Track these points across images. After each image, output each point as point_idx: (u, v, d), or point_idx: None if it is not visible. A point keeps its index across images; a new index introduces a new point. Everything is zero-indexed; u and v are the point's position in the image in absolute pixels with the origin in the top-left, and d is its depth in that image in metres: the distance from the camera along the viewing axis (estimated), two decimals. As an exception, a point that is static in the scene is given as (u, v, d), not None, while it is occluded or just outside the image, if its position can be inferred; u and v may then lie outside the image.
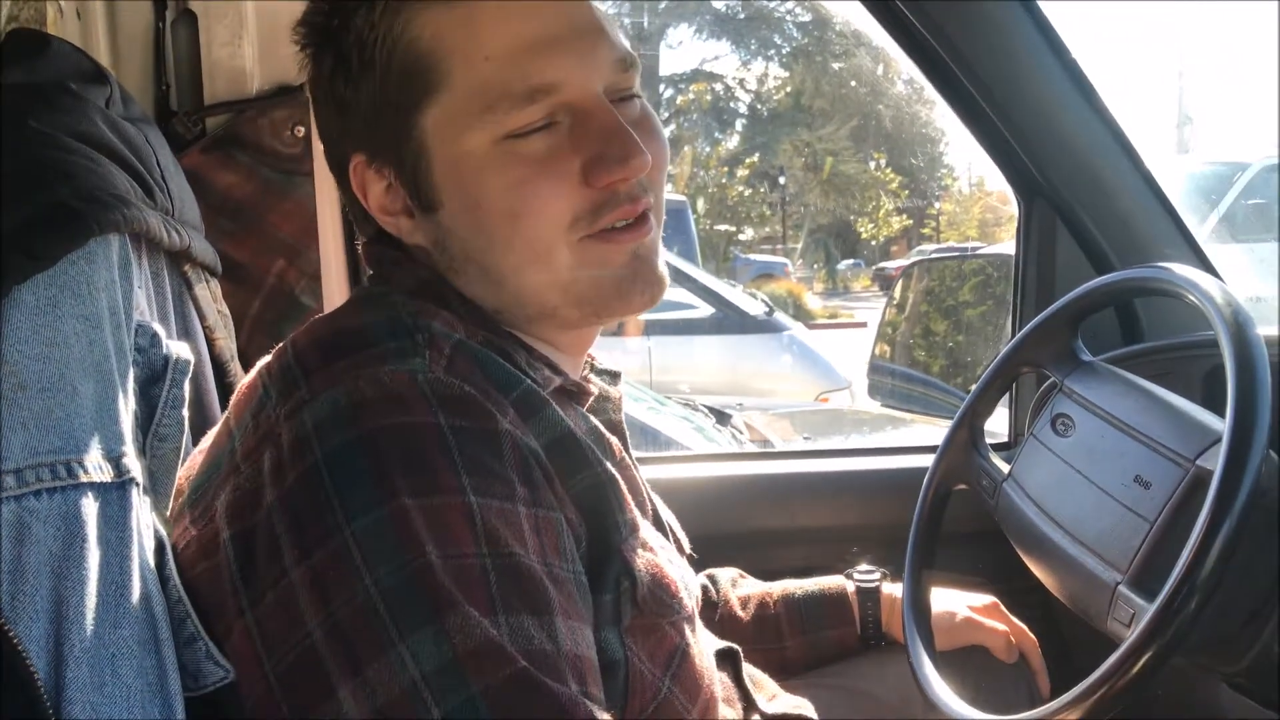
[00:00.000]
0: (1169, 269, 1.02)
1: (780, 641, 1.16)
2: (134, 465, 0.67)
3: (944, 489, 1.18)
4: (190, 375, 0.76)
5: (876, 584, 1.18)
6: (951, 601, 1.17)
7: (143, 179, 0.80)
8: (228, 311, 1.07)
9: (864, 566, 1.21)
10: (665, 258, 0.83)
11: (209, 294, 1.01)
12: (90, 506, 0.62)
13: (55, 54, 0.83)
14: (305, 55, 0.81)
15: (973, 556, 1.34)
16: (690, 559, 0.94)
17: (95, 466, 0.63)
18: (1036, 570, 1.08)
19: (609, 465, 0.77)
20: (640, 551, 0.76)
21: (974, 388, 1.19)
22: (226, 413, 0.78)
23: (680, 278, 5.58)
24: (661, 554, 0.79)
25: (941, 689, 1.03)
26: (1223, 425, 0.86)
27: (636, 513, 0.79)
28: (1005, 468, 1.13)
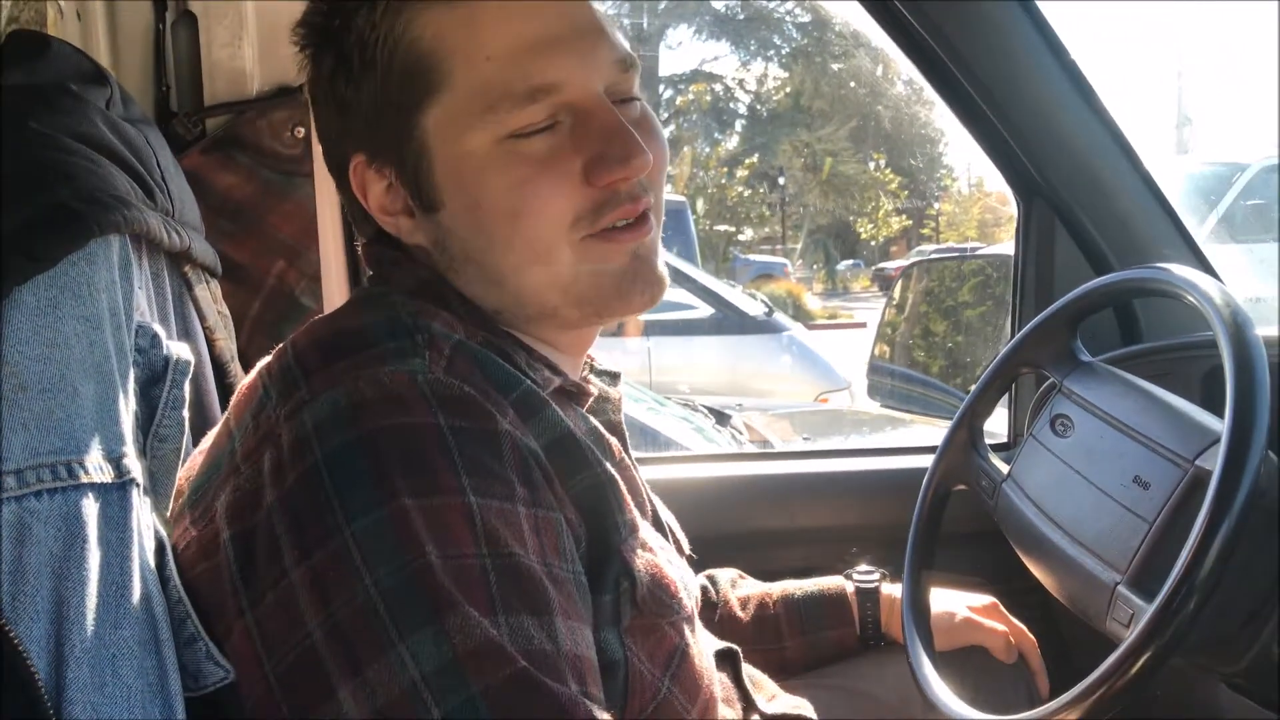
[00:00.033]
0: (1168, 270, 1.02)
1: (780, 642, 1.16)
2: (134, 466, 0.67)
3: (943, 489, 1.18)
4: (190, 376, 0.76)
5: (876, 584, 1.18)
6: (951, 602, 1.17)
7: (143, 180, 0.81)
8: (228, 312, 1.07)
9: (863, 567, 1.21)
10: (665, 258, 0.83)
11: (209, 295, 1.01)
12: (91, 507, 0.62)
13: (55, 55, 0.83)
14: (305, 56, 0.81)
15: (972, 557, 1.35)
16: (690, 559, 0.94)
17: (96, 467, 0.63)
18: (1035, 571, 1.08)
19: (608, 466, 0.77)
20: (640, 552, 0.76)
21: (973, 388, 1.19)
22: (226, 413, 0.79)
23: (680, 278, 5.58)
24: (661, 554, 0.79)
25: (941, 689, 1.03)
26: (1221, 426, 0.86)
27: (636, 513, 0.79)
28: (1004, 468, 1.13)
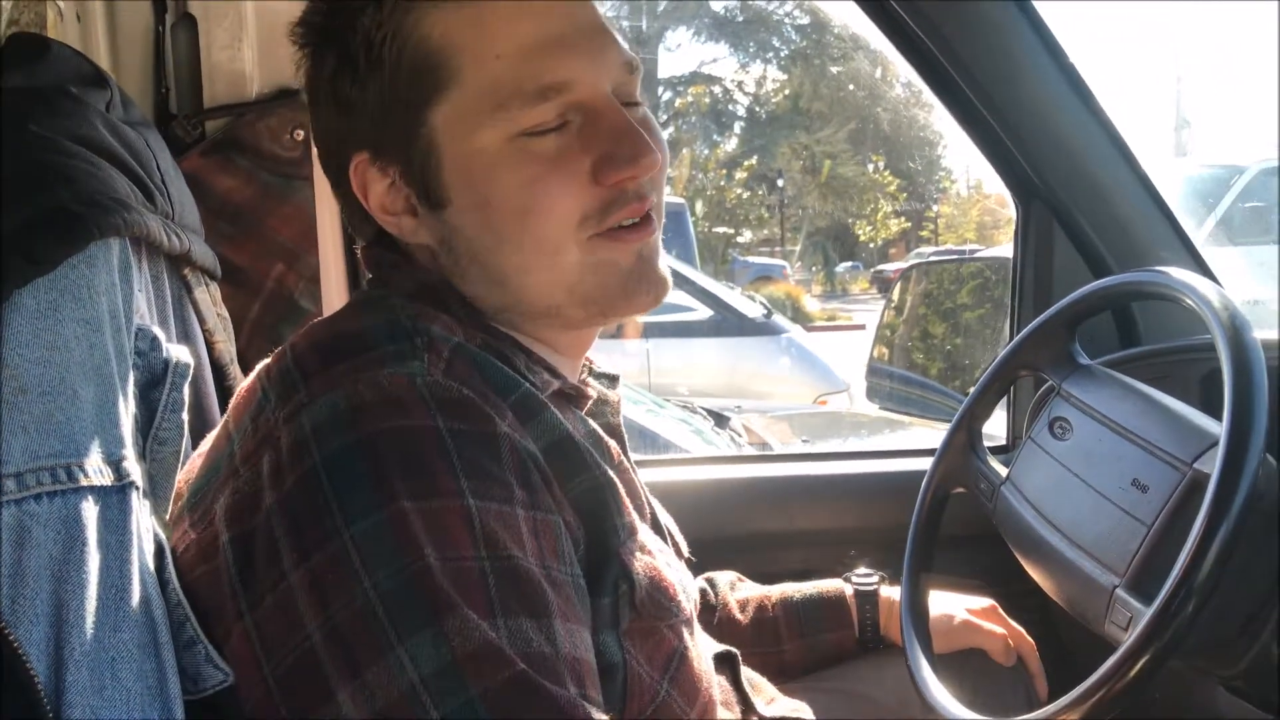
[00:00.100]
0: (1166, 273, 1.02)
1: (778, 644, 1.16)
2: (134, 469, 0.67)
3: (942, 492, 1.18)
4: (190, 379, 0.76)
5: (875, 587, 1.19)
6: (949, 604, 1.17)
7: (143, 183, 0.81)
8: (227, 315, 1.07)
9: (862, 570, 1.21)
10: (666, 260, 0.83)
11: (209, 297, 1.01)
12: (90, 510, 0.62)
13: (55, 58, 0.83)
14: (304, 55, 0.81)
15: (971, 560, 1.35)
16: (688, 562, 0.94)
17: (95, 470, 0.63)
18: (1034, 573, 1.08)
19: (607, 468, 0.77)
20: (638, 555, 0.76)
21: (972, 391, 1.19)
22: (225, 416, 0.79)
23: (679, 280, 5.57)
24: (660, 557, 0.79)
25: (939, 692, 1.03)
26: (1220, 429, 0.86)
27: (635, 516, 0.79)
28: (1003, 471, 1.13)
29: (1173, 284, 1.00)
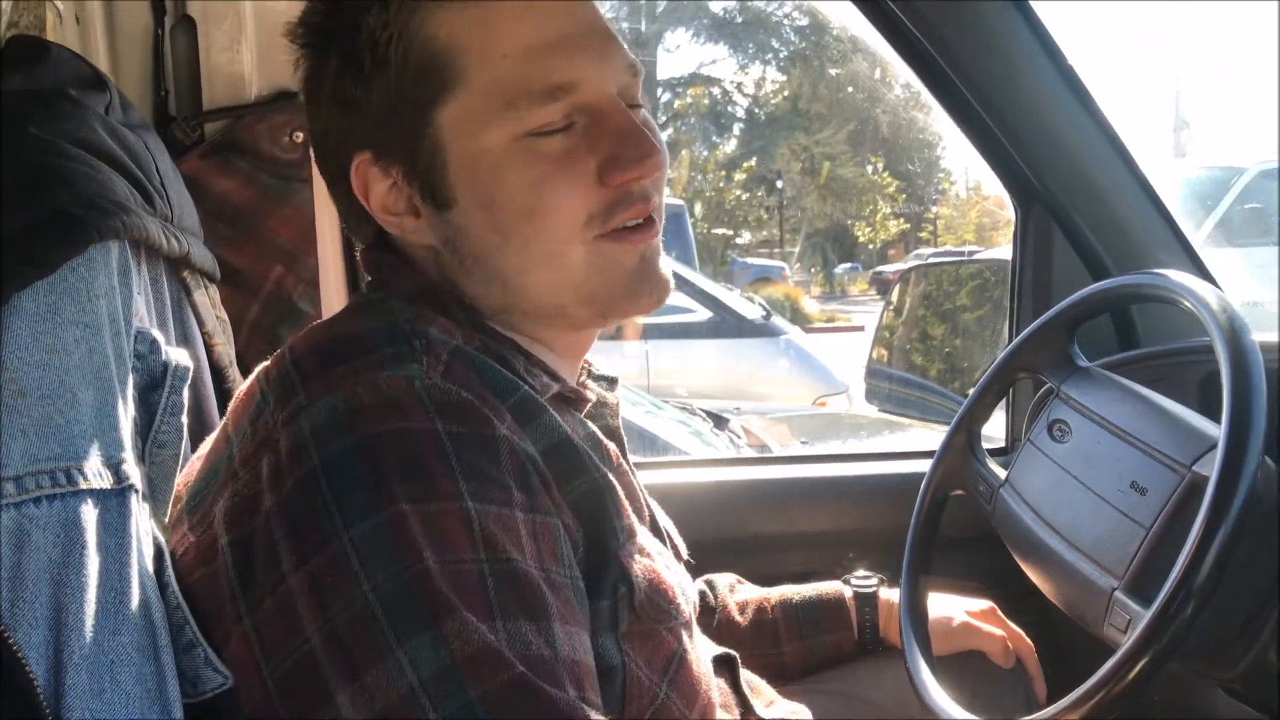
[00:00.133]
0: (1165, 275, 1.02)
1: (778, 647, 1.16)
2: (133, 472, 0.67)
3: (941, 494, 1.18)
4: (189, 381, 0.76)
5: (874, 589, 1.19)
6: (948, 606, 1.18)
7: (142, 185, 0.81)
8: (226, 317, 1.07)
9: (861, 572, 1.21)
10: (666, 262, 0.83)
11: (208, 300, 1.01)
12: (90, 513, 0.63)
13: (55, 61, 0.83)
14: (304, 55, 0.81)
15: (970, 562, 1.35)
16: (687, 564, 0.94)
17: (95, 473, 0.63)
18: (1033, 576, 1.09)
19: (606, 471, 0.77)
20: (637, 557, 0.76)
21: (971, 393, 1.19)
22: (224, 419, 0.79)
23: (677, 282, 5.56)
24: (659, 560, 0.80)
25: (938, 694, 1.03)
26: (1218, 431, 0.86)
27: (634, 518, 0.79)
28: (1002, 473, 1.13)
29: (1171, 286, 1.00)
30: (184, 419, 0.75)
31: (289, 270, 1.25)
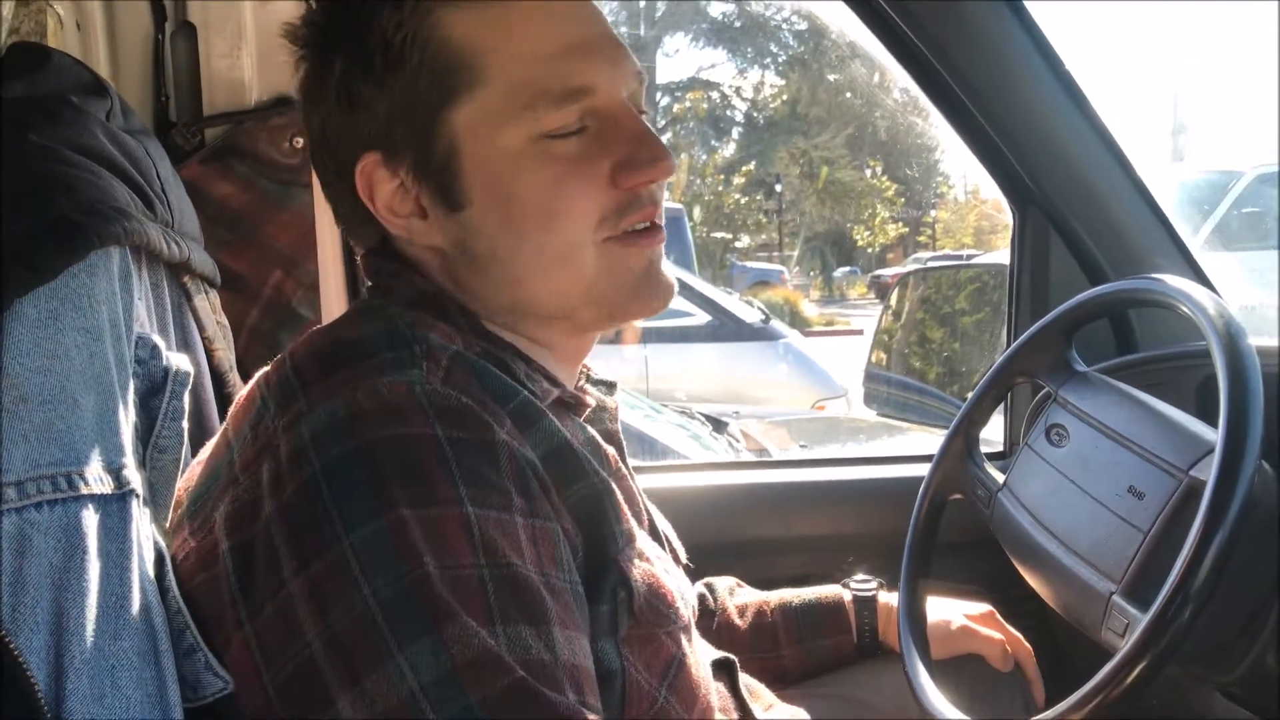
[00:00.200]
0: (1162, 280, 1.02)
1: (777, 650, 1.17)
2: (134, 477, 0.67)
3: (939, 498, 1.19)
4: (189, 387, 0.76)
5: (873, 593, 1.19)
6: (947, 610, 1.18)
7: (143, 191, 0.81)
8: (227, 322, 1.07)
9: (860, 576, 1.21)
10: (668, 266, 0.84)
11: (208, 305, 1.01)
12: (91, 518, 0.63)
13: (56, 67, 0.83)
14: (306, 55, 0.81)
15: (968, 566, 1.35)
16: (686, 568, 0.94)
17: (96, 478, 0.63)
18: (1031, 580, 1.09)
19: (605, 476, 0.77)
20: (637, 562, 0.76)
21: (969, 397, 1.20)
22: (225, 424, 0.79)
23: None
24: (658, 564, 0.80)
25: (937, 698, 1.03)
26: (1216, 436, 0.87)
27: (633, 523, 0.79)
28: (1000, 477, 1.13)
29: (1168, 291, 1.00)
30: (185, 424, 0.75)
31: (288, 275, 1.25)
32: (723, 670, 0.98)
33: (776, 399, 5.46)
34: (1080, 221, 1.44)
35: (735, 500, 1.54)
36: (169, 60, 1.24)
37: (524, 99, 0.75)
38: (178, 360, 0.75)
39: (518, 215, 0.77)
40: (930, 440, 2.70)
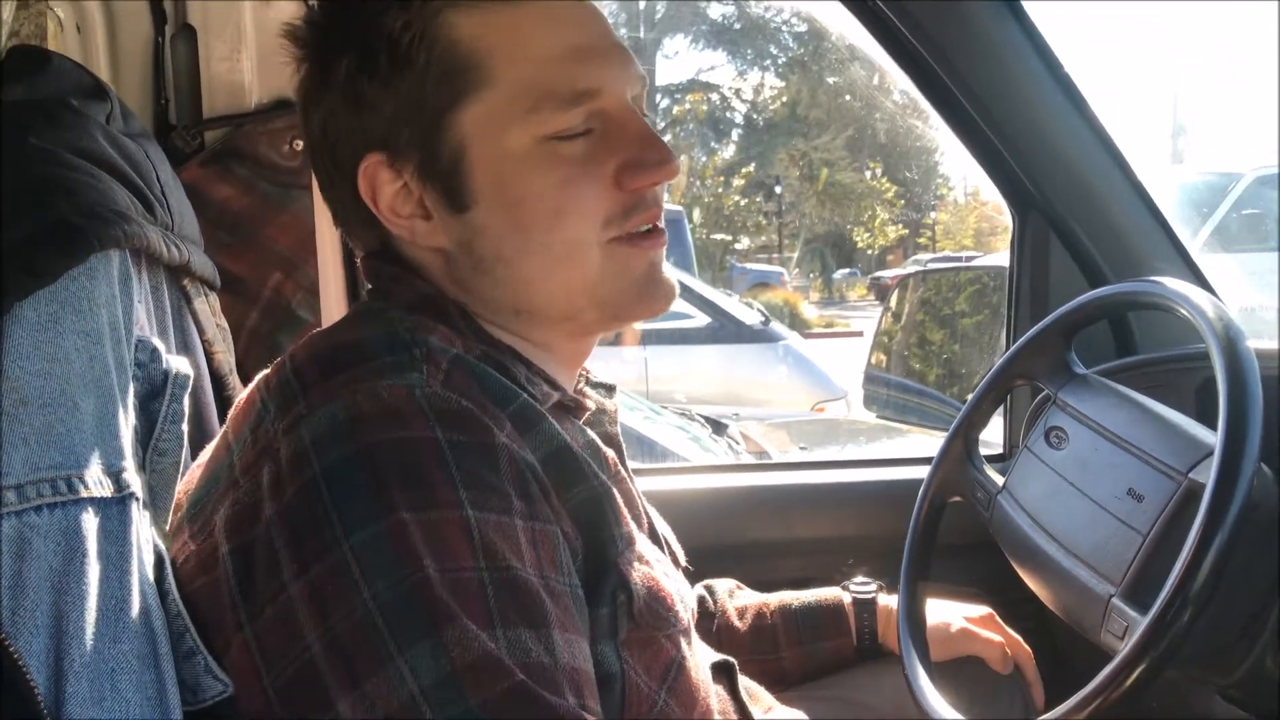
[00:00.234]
0: (1161, 283, 1.03)
1: (777, 652, 1.17)
2: (134, 480, 0.67)
3: (939, 501, 1.19)
4: (189, 389, 0.76)
5: (873, 595, 1.19)
6: (947, 612, 1.18)
7: (143, 194, 0.81)
8: (226, 325, 1.07)
9: (860, 578, 1.21)
10: (668, 268, 0.84)
11: (208, 308, 1.01)
12: (90, 521, 0.63)
13: (56, 70, 0.83)
14: (306, 56, 0.80)
15: (968, 568, 1.35)
16: (686, 571, 0.94)
17: (95, 482, 0.63)
18: (1030, 582, 1.09)
19: (605, 478, 0.77)
20: (636, 565, 0.76)
21: (969, 400, 1.20)
22: (225, 427, 0.79)
23: (676, 287, 5.55)
24: (657, 567, 0.80)
25: (936, 700, 1.03)
26: (1215, 439, 0.87)
27: (633, 526, 0.79)
28: (999, 480, 1.13)
29: (1167, 294, 1.00)
30: (184, 427, 0.75)
31: (287, 277, 1.25)
32: (722, 673, 0.98)
33: (776, 401, 5.45)
34: (1080, 224, 1.44)
35: (735, 502, 1.54)
36: (169, 63, 1.24)
37: (532, 101, 0.76)
38: (177, 363, 0.75)
39: (525, 215, 0.77)
40: (930, 442, 2.69)
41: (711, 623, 1.17)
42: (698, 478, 1.62)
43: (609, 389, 0.93)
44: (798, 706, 1.04)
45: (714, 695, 0.88)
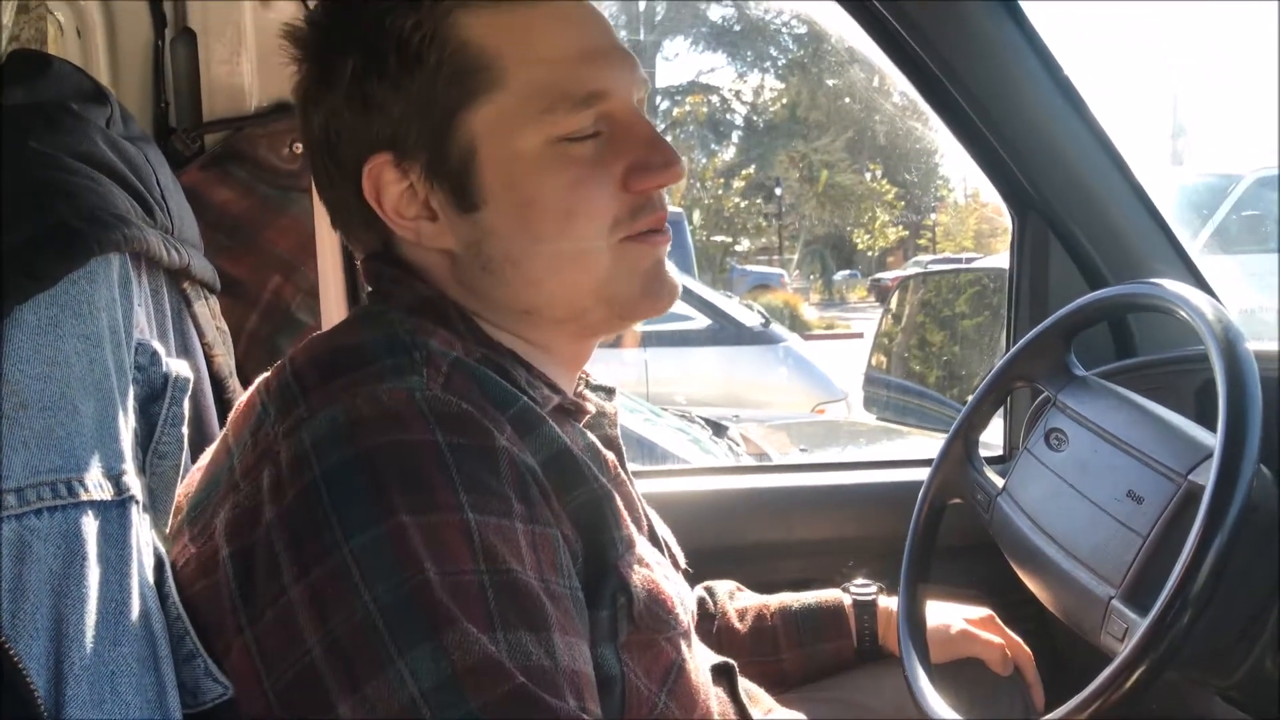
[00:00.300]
0: (1160, 285, 1.03)
1: (777, 654, 1.17)
2: (134, 483, 0.67)
3: (939, 503, 1.19)
4: (189, 392, 0.76)
5: (873, 597, 1.19)
6: (947, 614, 1.18)
7: (143, 198, 0.81)
8: (226, 328, 1.07)
9: (860, 580, 1.21)
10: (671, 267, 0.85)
11: (208, 311, 1.01)
12: (90, 525, 0.63)
13: (56, 74, 0.83)
14: (308, 56, 0.80)
15: (968, 570, 1.35)
16: (686, 574, 0.94)
17: (95, 485, 0.63)
18: (1030, 584, 1.09)
19: (605, 481, 0.77)
20: (636, 567, 0.77)
21: (969, 402, 1.20)
22: (225, 430, 0.79)
23: (677, 289, 5.55)
24: (657, 570, 0.80)
25: (936, 702, 1.03)
26: (1214, 440, 0.87)
27: (633, 528, 0.79)
28: (999, 482, 1.13)
29: (1167, 296, 1.00)
30: (184, 430, 0.75)
31: (287, 280, 1.25)
32: (722, 675, 0.98)
33: (776, 403, 5.45)
34: (1079, 226, 1.44)
35: (735, 504, 1.54)
36: (169, 66, 1.24)
37: (543, 102, 0.76)
38: (177, 366, 0.75)
39: (536, 216, 0.77)
40: (930, 444, 2.70)
41: (712, 624, 1.17)
42: (698, 480, 1.62)
43: (609, 392, 0.93)
44: (798, 708, 1.04)
45: (714, 697, 0.88)
